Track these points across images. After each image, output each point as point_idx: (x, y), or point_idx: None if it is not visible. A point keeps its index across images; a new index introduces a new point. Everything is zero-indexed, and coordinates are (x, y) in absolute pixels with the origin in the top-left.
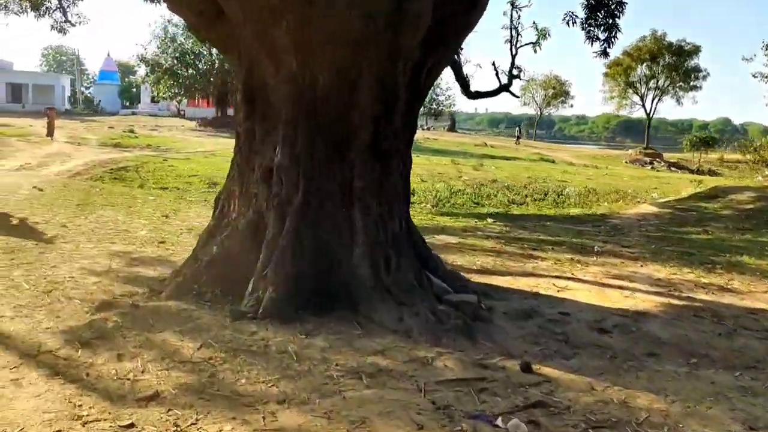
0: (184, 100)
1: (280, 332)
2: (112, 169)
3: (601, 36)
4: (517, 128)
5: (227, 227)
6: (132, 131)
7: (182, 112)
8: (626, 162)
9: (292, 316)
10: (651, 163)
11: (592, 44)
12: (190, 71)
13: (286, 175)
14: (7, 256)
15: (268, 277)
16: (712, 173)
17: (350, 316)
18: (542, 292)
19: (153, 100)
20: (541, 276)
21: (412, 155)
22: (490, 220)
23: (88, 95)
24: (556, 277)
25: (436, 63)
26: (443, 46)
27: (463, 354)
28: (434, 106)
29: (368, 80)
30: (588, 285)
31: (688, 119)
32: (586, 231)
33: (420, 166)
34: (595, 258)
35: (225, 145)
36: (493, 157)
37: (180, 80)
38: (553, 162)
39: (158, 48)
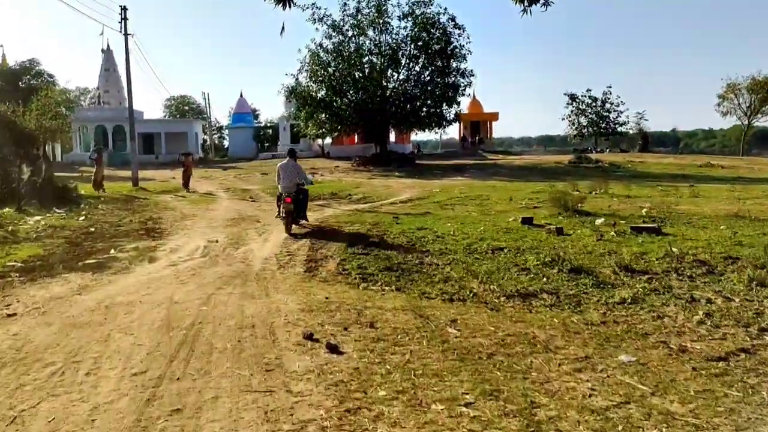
0: (328, 138)
1: None
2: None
3: None
4: None
5: None
6: None
7: (327, 152)
8: None
9: None
10: None
11: None
12: (345, 101)
13: None
14: None
15: None
16: None
17: None
18: None
19: (295, 139)
20: None
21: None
22: None
23: (216, 142)
24: None
25: None
26: None
27: None
28: (604, 124)
29: None
30: None
31: None
32: None
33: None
34: None
35: (423, 187)
36: None
37: (334, 113)
38: None
39: (310, 78)
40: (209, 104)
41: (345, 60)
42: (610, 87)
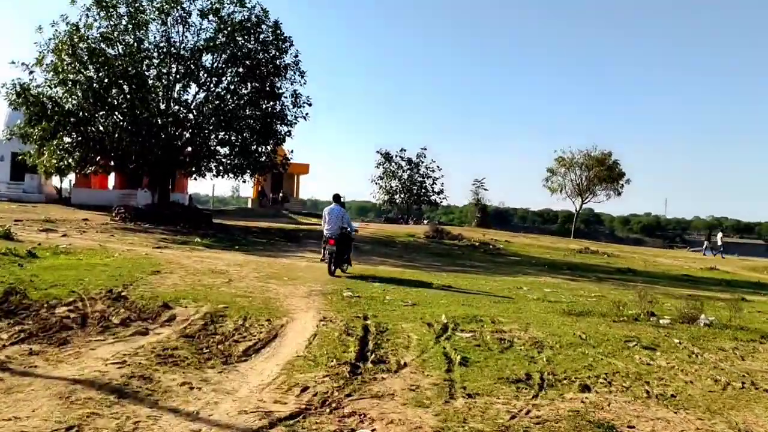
0: (70, 177)
1: None
2: None
3: None
4: (720, 233)
5: None
6: (9, 236)
7: (67, 197)
8: None
9: None
10: None
11: None
12: (110, 121)
13: None
14: None
15: None
16: None
17: None
18: None
19: (18, 175)
20: None
21: None
22: None
23: None
24: None
25: None
26: None
27: None
28: (416, 189)
29: None
30: None
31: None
32: None
33: None
34: None
35: (295, 280)
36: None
37: (89, 136)
38: None
39: (55, 77)
40: None
41: (115, 58)
42: (425, 149)
